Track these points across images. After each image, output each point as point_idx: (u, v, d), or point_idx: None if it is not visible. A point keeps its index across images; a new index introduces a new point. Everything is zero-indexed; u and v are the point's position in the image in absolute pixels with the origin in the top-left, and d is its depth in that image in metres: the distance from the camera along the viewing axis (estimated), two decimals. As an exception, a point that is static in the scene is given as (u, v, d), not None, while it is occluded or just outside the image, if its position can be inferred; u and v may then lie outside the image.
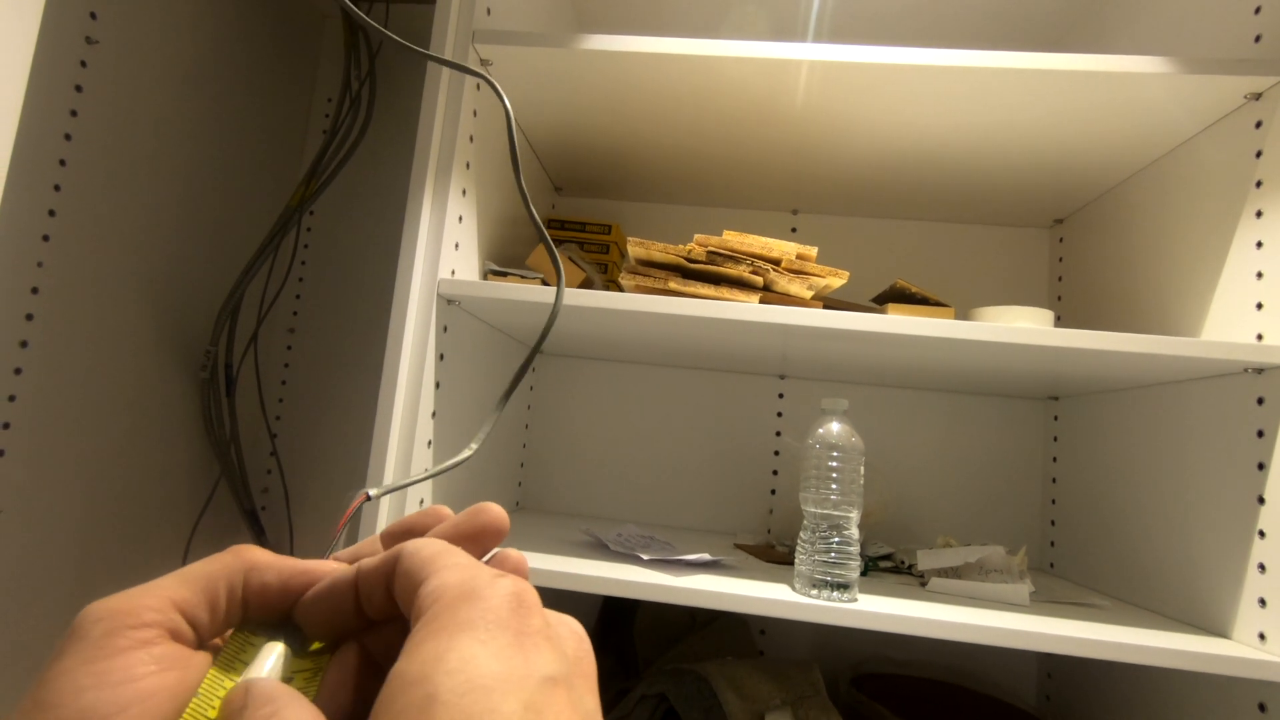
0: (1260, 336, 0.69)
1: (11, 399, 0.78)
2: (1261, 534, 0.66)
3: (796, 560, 0.69)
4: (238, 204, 1.12)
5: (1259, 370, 0.68)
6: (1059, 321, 1.09)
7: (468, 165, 0.80)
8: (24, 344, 0.79)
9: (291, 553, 1.19)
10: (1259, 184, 0.72)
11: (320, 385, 1.24)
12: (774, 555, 0.88)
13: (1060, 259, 1.12)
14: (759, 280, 0.74)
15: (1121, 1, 0.96)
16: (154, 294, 0.98)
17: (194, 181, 1.03)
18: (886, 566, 0.88)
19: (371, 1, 1.22)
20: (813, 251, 0.76)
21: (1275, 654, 0.63)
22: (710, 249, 0.75)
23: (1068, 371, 0.83)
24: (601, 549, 0.80)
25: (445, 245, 0.75)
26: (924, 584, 0.79)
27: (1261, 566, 0.66)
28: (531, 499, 1.18)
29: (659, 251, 0.76)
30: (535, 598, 0.21)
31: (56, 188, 0.82)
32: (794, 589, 0.68)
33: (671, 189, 1.18)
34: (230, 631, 0.24)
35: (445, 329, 0.78)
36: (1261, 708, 0.65)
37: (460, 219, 0.79)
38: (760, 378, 1.16)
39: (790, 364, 1.03)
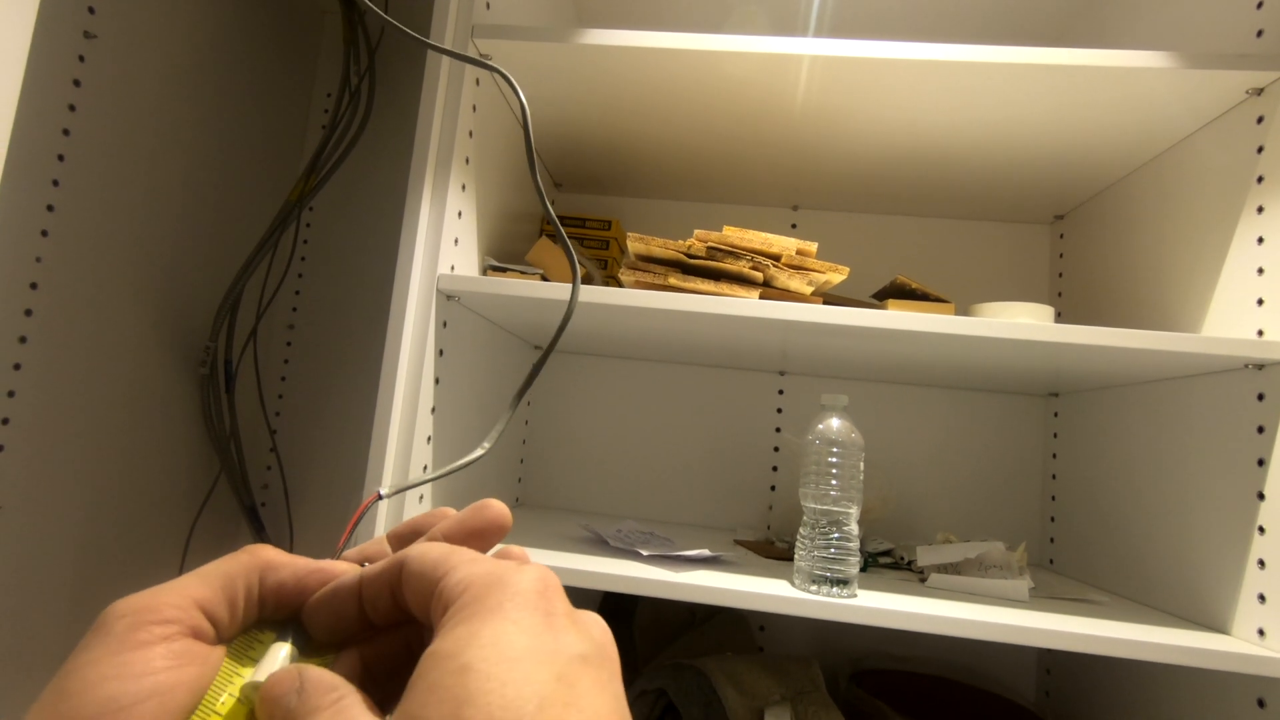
0: (1261, 332, 0.69)
1: (10, 395, 0.78)
2: (1261, 530, 0.66)
3: (796, 556, 0.69)
4: (237, 199, 1.12)
5: (1259, 366, 0.68)
6: (1059, 317, 1.09)
7: (467, 160, 0.80)
8: (23, 339, 0.79)
9: (291, 548, 1.19)
10: (1260, 179, 0.71)
11: (320, 381, 1.24)
12: (773, 551, 0.89)
13: (1061, 255, 1.12)
14: (759, 276, 0.74)
15: (1123, -4, 0.96)
16: (153, 289, 0.98)
17: (193, 177, 1.03)
18: (886, 562, 0.88)
19: (370, -4, 1.21)
20: (813, 247, 0.76)
21: (1274, 650, 0.63)
22: (710, 244, 0.75)
23: (1068, 367, 0.83)
24: (601, 545, 0.80)
25: (445, 241, 0.75)
26: (924, 580, 0.79)
27: (1261, 562, 0.66)
28: (531, 495, 1.18)
29: (659, 247, 0.76)
30: (558, 583, 0.22)
31: (55, 183, 0.81)
32: (794, 585, 0.68)
33: (671, 185, 1.17)
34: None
35: (445, 325, 0.78)
36: (1260, 703, 0.65)
37: (460, 214, 0.79)
38: (760, 374, 1.16)
39: (790, 360, 1.03)
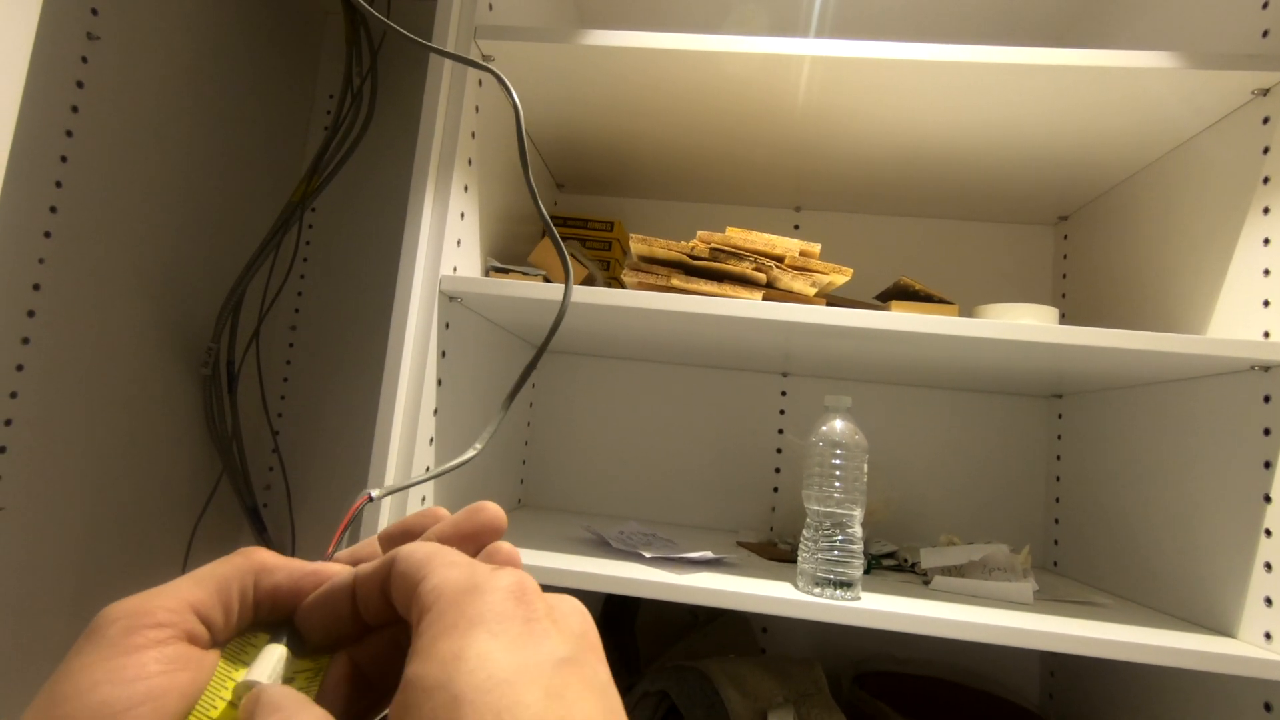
0: (1267, 334, 0.69)
1: (13, 395, 0.78)
2: (1268, 532, 0.66)
3: (799, 558, 0.69)
4: (239, 200, 1.12)
5: (1265, 368, 0.68)
6: (1063, 319, 1.09)
7: (470, 161, 0.79)
8: (25, 340, 0.79)
9: (293, 550, 1.19)
10: (1266, 180, 0.71)
11: (322, 382, 1.23)
12: (776, 553, 0.88)
13: (1065, 256, 1.11)
14: (762, 277, 0.74)
15: (1127, -3, 0.96)
16: (156, 290, 0.98)
17: (196, 178, 1.03)
18: (889, 565, 0.88)
19: (373, -3, 1.21)
20: (816, 248, 0.76)
21: (1281, 653, 0.62)
22: (713, 246, 0.75)
23: (1072, 369, 0.83)
24: (604, 547, 0.80)
25: (447, 242, 0.75)
26: (927, 582, 0.79)
27: (1268, 565, 0.65)
28: (533, 496, 1.17)
29: (661, 248, 0.76)
30: (534, 585, 0.22)
31: (58, 184, 0.81)
32: (797, 587, 0.68)
33: (674, 186, 1.17)
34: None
35: (447, 326, 0.78)
36: (1267, 707, 0.64)
37: (462, 215, 0.79)
38: (763, 375, 1.16)
39: (793, 361, 1.02)
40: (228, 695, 0.22)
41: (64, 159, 0.82)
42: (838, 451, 0.67)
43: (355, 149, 1.14)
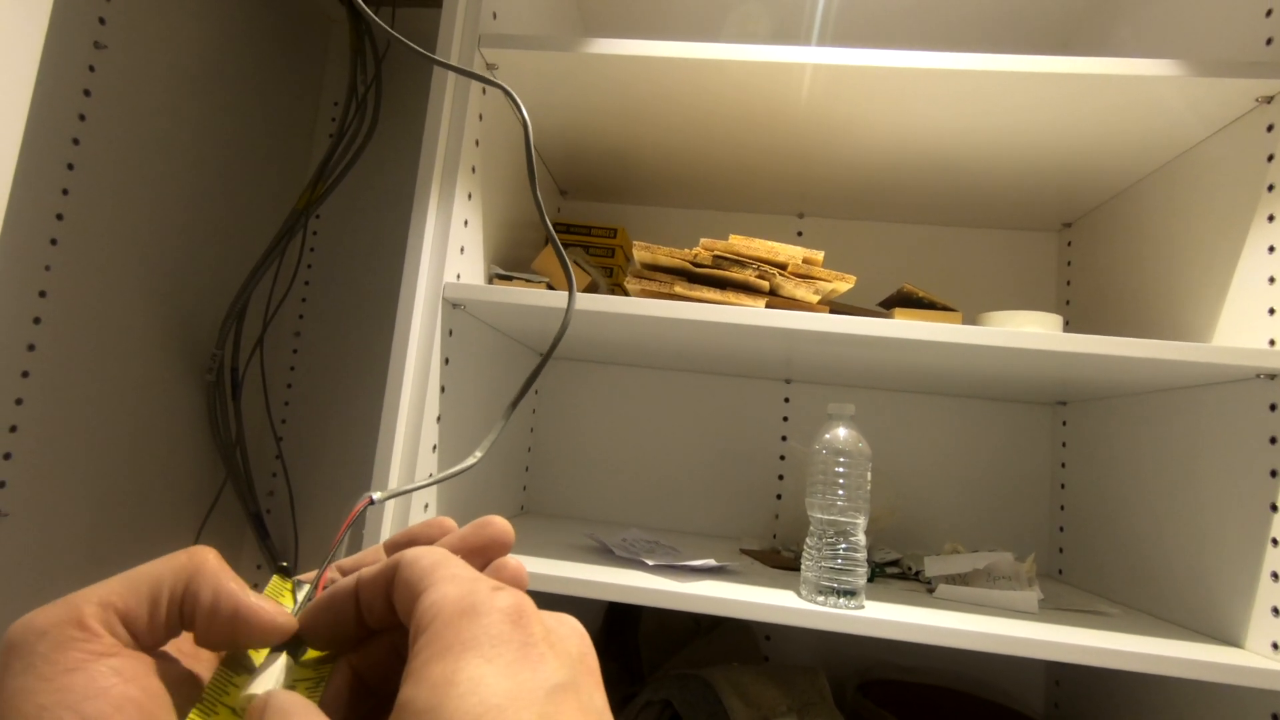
0: (1273, 342, 0.68)
1: (19, 403, 0.79)
2: (1275, 541, 0.65)
3: (803, 566, 0.68)
4: (244, 208, 1.13)
5: (1271, 376, 0.67)
6: (1068, 326, 1.09)
7: (473, 169, 0.80)
8: (31, 348, 0.80)
9: (296, 555, 1.19)
10: (1270, 187, 0.71)
11: (325, 389, 1.24)
12: (780, 561, 0.88)
13: (1069, 263, 1.11)
14: (765, 284, 0.74)
15: (1130, 4, 0.96)
16: (160, 297, 0.98)
17: (201, 185, 1.03)
18: (893, 573, 0.87)
19: (377, 6, 1.22)
20: (819, 255, 0.76)
21: (1289, 664, 0.62)
22: (716, 253, 0.75)
23: (1076, 377, 0.82)
24: (606, 554, 0.80)
25: (450, 249, 0.75)
26: (931, 590, 0.78)
27: (1275, 575, 0.65)
28: (536, 503, 1.17)
29: (665, 255, 0.76)
30: (532, 607, 0.21)
31: (64, 192, 0.82)
32: (800, 595, 0.68)
33: (677, 193, 1.17)
34: None
35: (450, 333, 0.78)
36: (1275, 718, 0.64)
37: (466, 223, 0.79)
38: (766, 382, 1.16)
39: (796, 368, 1.02)
40: (230, 702, 0.22)
41: (70, 167, 0.82)
42: (841, 459, 0.67)
43: (359, 156, 1.15)
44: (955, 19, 1.08)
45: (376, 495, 0.30)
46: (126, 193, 0.90)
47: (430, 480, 0.32)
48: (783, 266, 0.75)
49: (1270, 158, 0.71)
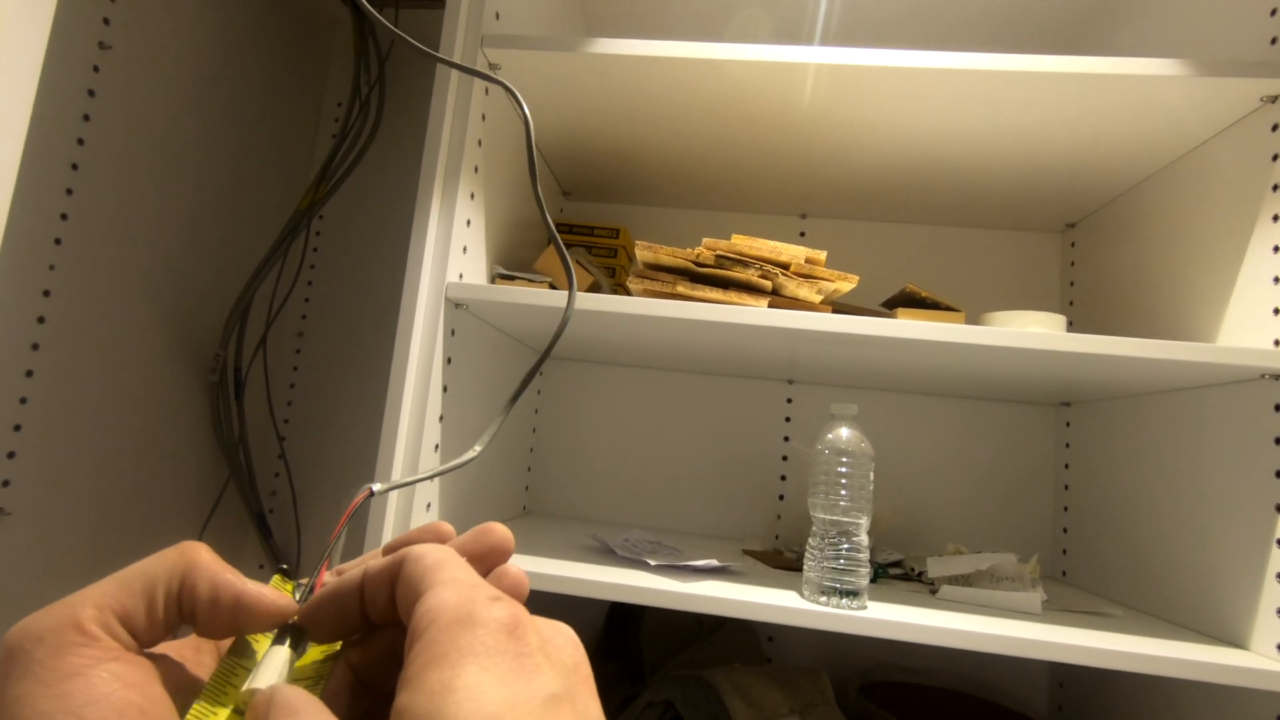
0: (1278, 342, 0.68)
1: (23, 401, 0.79)
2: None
3: (805, 567, 0.68)
4: (247, 207, 1.13)
5: (1276, 376, 0.67)
6: (1071, 326, 1.08)
7: (476, 169, 0.80)
8: (35, 346, 0.80)
9: (299, 554, 1.19)
10: (1275, 187, 0.71)
11: (328, 388, 1.24)
12: (782, 561, 0.88)
13: (1072, 263, 1.11)
14: (768, 284, 0.74)
15: (1133, 4, 0.95)
16: (164, 297, 0.98)
17: (204, 185, 1.04)
18: (896, 574, 0.87)
19: (380, 6, 1.22)
20: (822, 255, 0.76)
21: (1294, 666, 0.61)
22: (719, 253, 0.75)
23: (1080, 377, 0.82)
24: (608, 554, 0.80)
25: (453, 249, 0.75)
26: (934, 591, 0.78)
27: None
28: (538, 503, 1.17)
29: (667, 255, 0.76)
30: (528, 617, 0.21)
31: (69, 191, 0.82)
32: (803, 596, 0.68)
33: (679, 193, 1.17)
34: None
35: (453, 333, 0.78)
36: (1280, 720, 0.64)
37: (468, 223, 0.79)
38: (768, 382, 1.16)
39: (799, 369, 1.02)
40: (237, 683, 0.22)
41: (75, 166, 0.82)
42: (844, 459, 0.67)
43: (363, 157, 1.15)
44: (958, 19, 1.08)
45: (377, 486, 0.30)
46: (130, 193, 0.91)
47: (430, 473, 0.32)
48: (785, 266, 0.75)
49: (1275, 157, 0.71)
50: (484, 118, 0.80)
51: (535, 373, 0.38)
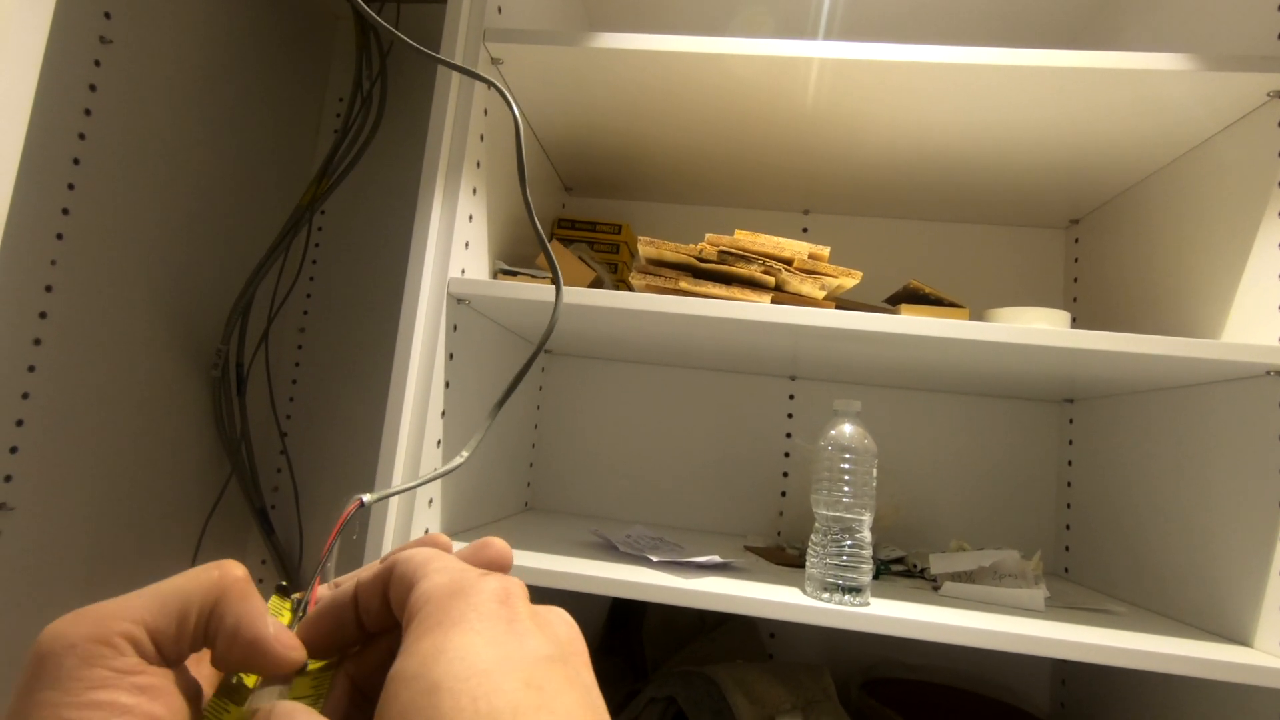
0: (1283, 339, 0.68)
1: (25, 396, 0.79)
2: (1284, 540, 0.65)
3: (807, 563, 0.68)
4: (249, 203, 1.13)
5: (1282, 373, 0.67)
6: (1075, 323, 1.08)
7: (478, 164, 0.80)
8: (37, 342, 0.80)
9: (301, 551, 1.19)
10: (1282, 183, 0.70)
11: (330, 384, 1.24)
12: (784, 558, 0.88)
13: (1076, 260, 1.10)
14: (771, 280, 0.74)
15: (1140, -2, 0.95)
16: (166, 293, 0.98)
17: (206, 181, 1.03)
18: (899, 570, 0.87)
19: (382, 2, 1.22)
20: (825, 251, 0.75)
21: (1298, 663, 0.61)
22: (722, 248, 0.74)
23: (1084, 373, 0.82)
24: (610, 550, 0.80)
25: (455, 244, 0.75)
26: (937, 588, 0.78)
27: (1284, 573, 0.64)
28: (540, 499, 1.17)
29: (670, 251, 0.75)
30: (522, 590, 0.22)
31: (70, 186, 0.82)
32: (805, 592, 0.67)
33: (682, 189, 1.17)
34: None
35: (455, 328, 0.78)
36: (1284, 718, 0.63)
37: (470, 218, 0.79)
38: (771, 378, 1.16)
39: (802, 365, 1.02)
40: (230, 716, 0.22)
41: (76, 161, 0.82)
42: (846, 456, 0.67)
43: (364, 152, 1.15)
44: (961, 14, 1.07)
45: (366, 498, 0.30)
46: (132, 189, 0.91)
47: (417, 482, 0.32)
48: (788, 262, 0.75)
49: (1282, 153, 0.70)
50: (486, 113, 0.80)
51: (522, 376, 0.38)
